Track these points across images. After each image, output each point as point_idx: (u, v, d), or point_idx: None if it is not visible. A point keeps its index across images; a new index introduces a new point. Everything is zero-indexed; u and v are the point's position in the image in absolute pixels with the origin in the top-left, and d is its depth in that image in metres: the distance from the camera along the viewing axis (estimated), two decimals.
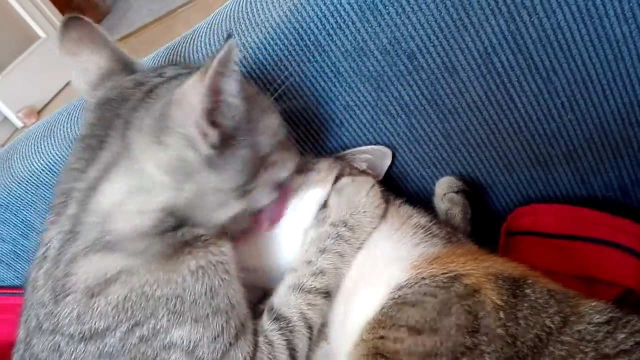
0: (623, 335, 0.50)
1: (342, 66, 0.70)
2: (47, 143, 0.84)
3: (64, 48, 0.62)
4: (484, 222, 0.79)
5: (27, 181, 0.86)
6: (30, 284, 0.55)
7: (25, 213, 0.89)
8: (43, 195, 0.86)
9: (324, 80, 0.72)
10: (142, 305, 0.51)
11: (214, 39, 0.74)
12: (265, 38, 0.69)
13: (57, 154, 0.83)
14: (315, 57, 0.70)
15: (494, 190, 0.81)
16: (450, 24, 0.64)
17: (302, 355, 0.57)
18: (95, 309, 0.50)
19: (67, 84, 3.42)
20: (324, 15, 0.66)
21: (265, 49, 0.70)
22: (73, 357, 0.51)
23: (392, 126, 0.76)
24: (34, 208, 0.88)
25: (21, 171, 0.86)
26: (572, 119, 0.69)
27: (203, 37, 0.75)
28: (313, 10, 0.66)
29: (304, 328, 0.58)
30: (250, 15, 0.72)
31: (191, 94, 0.48)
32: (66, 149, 0.82)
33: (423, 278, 0.57)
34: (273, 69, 0.70)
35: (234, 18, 0.73)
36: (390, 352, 0.53)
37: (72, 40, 0.61)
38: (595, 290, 0.68)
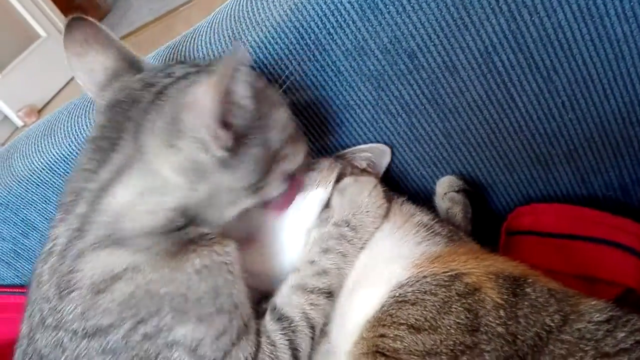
0: (623, 334, 0.50)
1: (343, 65, 0.70)
2: (48, 142, 0.84)
3: (70, 50, 0.61)
4: (484, 222, 0.79)
5: (27, 180, 0.86)
6: (35, 278, 0.55)
7: (25, 212, 0.89)
8: (43, 194, 0.86)
9: (325, 79, 0.72)
10: (147, 302, 0.51)
11: (214, 38, 0.74)
12: (266, 37, 0.69)
13: (57, 153, 0.83)
14: (315, 56, 0.70)
15: (495, 189, 0.81)
16: (451, 23, 0.64)
17: (305, 355, 0.57)
18: (100, 306, 0.50)
19: (68, 83, 3.43)
20: (325, 14, 0.66)
21: (266, 48, 0.70)
22: (76, 353, 0.51)
23: (393, 125, 0.76)
24: (34, 207, 0.88)
25: (21, 170, 0.86)
26: (572, 118, 0.69)
27: (203, 36, 0.75)
28: (313, 9, 0.66)
29: (306, 328, 0.58)
30: (251, 14, 0.71)
31: (203, 99, 0.48)
32: (66, 147, 0.82)
33: (424, 277, 0.57)
34: (273, 68, 0.70)
35: (234, 17, 0.73)
36: (390, 351, 0.53)
37: (77, 42, 0.61)
38: (596, 290, 0.68)
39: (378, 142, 0.78)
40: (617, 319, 0.52)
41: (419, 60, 0.67)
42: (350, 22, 0.66)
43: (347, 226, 0.63)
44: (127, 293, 0.51)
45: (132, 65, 0.62)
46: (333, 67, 0.70)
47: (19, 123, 3.26)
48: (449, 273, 0.56)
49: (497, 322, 0.53)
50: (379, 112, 0.74)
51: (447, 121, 0.73)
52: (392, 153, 0.79)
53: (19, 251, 0.94)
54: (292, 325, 0.57)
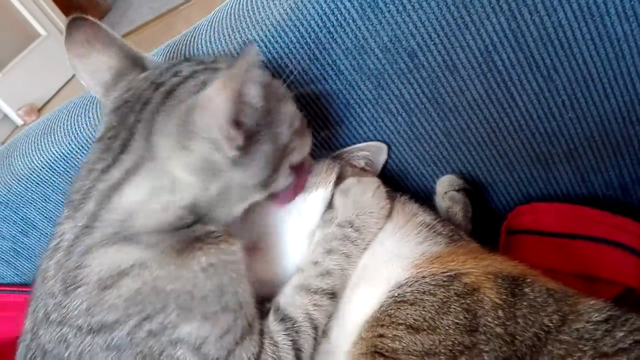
0: (622, 334, 0.50)
1: (343, 64, 0.70)
2: (47, 141, 0.84)
3: (72, 52, 0.61)
4: (484, 221, 0.79)
5: (27, 179, 0.86)
6: (41, 274, 0.55)
7: (25, 210, 0.89)
8: (43, 193, 0.86)
9: (325, 78, 0.72)
10: (153, 299, 0.51)
11: (214, 36, 0.74)
12: (266, 36, 0.69)
13: (57, 152, 0.83)
14: (315, 55, 0.70)
15: (495, 188, 0.81)
16: (451, 22, 0.63)
17: (307, 356, 0.57)
18: (106, 302, 0.50)
19: (68, 81, 3.43)
20: (325, 13, 0.66)
21: (266, 46, 0.70)
22: (80, 349, 0.51)
23: (393, 124, 0.76)
24: (34, 205, 0.88)
25: (21, 169, 0.86)
26: (572, 117, 0.69)
27: (204, 35, 0.75)
28: (314, 8, 0.66)
29: (309, 329, 0.58)
30: (251, 12, 0.71)
31: (216, 100, 0.48)
32: (66, 146, 0.82)
33: (423, 277, 0.57)
34: (274, 67, 0.70)
35: (234, 15, 0.73)
36: (388, 351, 0.53)
37: (78, 43, 0.61)
38: (596, 289, 0.68)
39: (378, 140, 0.78)
40: (616, 319, 0.52)
41: (419, 59, 0.67)
42: (351, 21, 0.66)
43: (351, 227, 0.63)
44: (133, 289, 0.51)
45: (136, 62, 0.62)
46: (333, 66, 0.70)
47: (19, 122, 3.25)
48: (448, 273, 0.56)
49: (495, 322, 0.53)
50: (379, 110, 0.74)
51: (447, 120, 0.73)
52: (392, 152, 0.79)
53: (19, 250, 0.94)
54: (296, 325, 0.57)
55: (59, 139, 0.83)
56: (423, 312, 0.54)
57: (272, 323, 0.58)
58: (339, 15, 0.66)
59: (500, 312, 0.53)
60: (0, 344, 0.80)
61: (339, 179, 0.68)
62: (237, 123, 0.50)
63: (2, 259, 0.95)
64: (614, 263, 0.70)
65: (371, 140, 0.78)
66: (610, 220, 0.72)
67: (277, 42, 0.69)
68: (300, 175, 0.63)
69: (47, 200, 0.87)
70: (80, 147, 0.81)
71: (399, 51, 0.67)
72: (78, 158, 0.82)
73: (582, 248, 0.72)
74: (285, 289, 0.61)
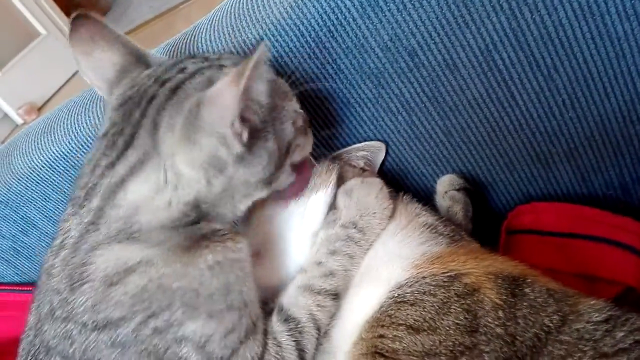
0: (622, 334, 0.50)
1: (343, 63, 0.70)
2: (47, 140, 0.84)
3: (77, 49, 0.61)
4: (484, 220, 0.79)
5: (27, 178, 0.86)
6: (46, 271, 0.55)
7: (25, 210, 0.89)
8: (43, 192, 0.86)
9: (325, 77, 0.72)
10: (159, 296, 0.51)
11: (214, 35, 0.74)
12: (266, 34, 0.69)
13: (57, 151, 0.83)
14: (315, 54, 0.70)
15: (495, 188, 0.81)
16: (452, 21, 0.63)
17: (310, 356, 0.57)
18: (112, 298, 0.50)
19: (68, 80, 3.43)
20: (325, 12, 0.66)
21: (266, 45, 0.69)
22: (84, 345, 0.51)
23: (393, 123, 0.75)
24: (34, 204, 0.88)
25: (21, 168, 0.86)
26: (573, 116, 0.69)
27: (204, 34, 0.75)
28: (314, 6, 0.66)
29: (313, 329, 0.58)
30: (251, 11, 0.71)
31: (225, 96, 0.48)
32: (66, 145, 0.82)
33: (423, 277, 0.57)
34: (274, 66, 0.70)
35: (234, 14, 0.73)
36: (389, 351, 0.53)
37: (83, 40, 0.61)
38: (596, 289, 0.68)
39: (378, 140, 0.78)
40: (616, 319, 0.52)
41: (420, 58, 0.67)
42: (351, 20, 0.66)
43: (355, 228, 0.63)
44: (139, 286, 0.51)
45: (140, 59, 0.62)
46: (333, 65, 0.70)
47: (19, 121, 3.25)
48: (448, 274, 0.56)
49: (496, 322, 0.52)
50: (379, 110, 0.74)
51: (448, 119, 0.73)
52: (392, 151, 0.79)
53: (19, 249, 0.94)
54: (299, 326, 0.57)
55: (59, 138, 0.83)
56: (423, 313, 0.54)
57: (276, 323, 0.58)
58: (339, 14, 0.66)
59: (500, 313, 0.53)
60: (1, 343, 0.81)
61: (339, 180, 0.68)
62: (243, 119, 0.51)
63: (2, 258, 0.95)
64: (614, 262, 0.70)
65: (371, 139, 0.78)
66: (611, 220, 0.72)
67: (277, 40, 0.69)
68: (302, 173, 0.63)
69: (47, 199, 0.87)
70: (81, 146, 0.81)
71: (399, 50, 0.67)
72: (78, 157, 0.82)
73: (582, 248, 0.72)
74: (288, 289, 0.61)
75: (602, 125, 0.69)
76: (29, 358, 0.54)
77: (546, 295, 0.54)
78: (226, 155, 0.52)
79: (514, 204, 0.81)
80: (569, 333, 0.51)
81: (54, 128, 0.84)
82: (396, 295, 0.57)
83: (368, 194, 0.65)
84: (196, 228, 0.54)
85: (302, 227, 0.65)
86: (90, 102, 0.83)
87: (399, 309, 0.55)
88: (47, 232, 0.91)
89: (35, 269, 0.95)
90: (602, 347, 0.50)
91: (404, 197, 0.70)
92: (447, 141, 0.76)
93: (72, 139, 0.81)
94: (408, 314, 0.54)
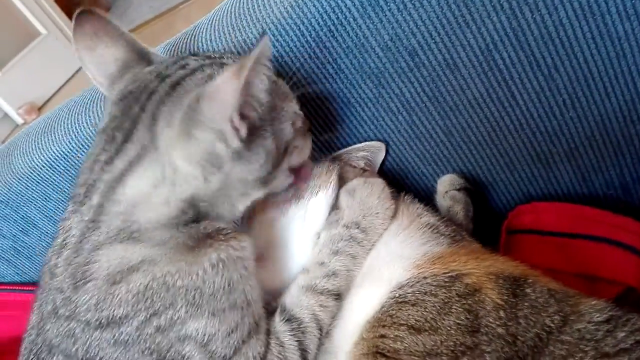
0: (623, 334, 0.50)
1: (344, 63, 0.70)
2: (48, 139, 0.84)
3: (80, 43, 0.61)
4: (485, 220, 0.79)
5: (27, 177, 0.86)
6: (48, 270, 0.55)
7: (25, 209, 0.89)
8: (43, 192, 0.86)
9: (325, 77, 0.72)
10: (162, 295, 0.51)
11: (214, 35, 0.74)
12: (266, 34, 0.69)
13: (57, 150, 0.83)
14: (316, 54, 0.69)
15: (495, 187, 0.81)
16: (452, 21, 0.63)
17: (313, 356, 0.57)
18: (115, 297, 0.50)
19: (68, 80, 3.42)
20: (325, 12, 0.66)
21: (269, 41, 0.69)
22: (87, 344, 0.51)
23: (393, 123, 0.75)
24: (35, 204, 0.88)
25: (21, 167, 0.86)
26: (573, 116, 0.69)
27: (204, 34, 0.75)
28: (314, 6, 0.66)
29: (315, 329, 0.58)
30: (251, 11, 0.71)
31: (225, 90, 0.48)
32: (67, 145, 0.82)
33: (425, 277, 0.57)
34: (274, 66, 0.70)
35: (234, 14, 0.73)
36: (390, 351, 0.53)
37: (87, 35, 0.61)
38: (597, 289, 0.68)
39: (378, 139, 0.78)
40: (617, 319, 0.52)
41: (420, 57, 0.67)
42: (351, 20, 0.66)
43: (357, 228, 0.63)
44: (143, 285, 0.51)
45: (142, 56, 0.62)
46: (334, 65, 0.70)
47: (19, 120, 3.25)
48: (449, 274, 0.56)
49: (497, 322, 0.52)
50: (380, 109, 0.74)
51: (448, 119, 0.73)
52: (393, 151, 0.79)
53: (19, 249, 0.94)
54: (302, 326, 0.57)
55: (59, 138, 0.83)
56: (424, 313, 0.54)
57: (278, 323, 0.58)
58: (339, 14, 0.66)
59: (501, 313, 0.53)
60: (1, 343, 0.81)
61: (340, 180, 0.68)
62: (242, 116, 0.50)
63: (3, 257, 0.95)
64: (614, 262, 0.70)
65: (372, 139, 0.78)
66: (611, 220, 0.72)
67: (277, 40, 0.69)
68: (300, 176, 0.63)
69: (48, 199, 0.87)
70: (81, 146, 0.81)
71: (400, 50, 0.67)
72: (78, 157, 0.82)
73: (582, 247, 0.72)
74: (291, 289, 0.61)
75: (602, 125, 0.69)
76: (31, 357, 0.54)
77: (547, 295, 0.54)
78: (224, 151, 0.52)
79: (515, 204, 0.81)
80: (570, 333, 0.51)
81: (54, 128, 0.84)
82: (397, 295, 0.56)
83: (371, 194, 0.65)
84: (201, 227, 0.54)
85: (304, 229, 0.65)
86: (91, 101, 0.83)
87: (400, 309, 0.55)
88: (47, 232, 0.91)
89: (36, 268, 0.95)
90: (603, 347, 0.50)
91: (406, 197, 0.70)
92: (448, 141, 0.76)
93: (72, 138, 0.81)
94: (409, 314, 0.54)
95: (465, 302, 0.54)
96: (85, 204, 0.54)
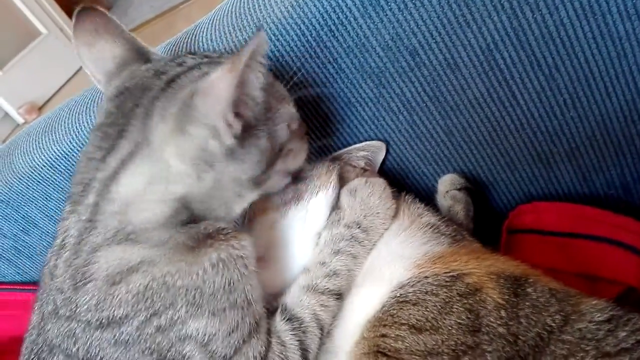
0: (624, 334, 0.50)
1: (344, 62, 0.70)
2: (48, 139, 0.84)
3: (80, 39, 0.61)
4: (485, 220, 0.79)
5: (28, 177, 0.86)
6: (49, 272, 0.55)
7: (26, 209, 0.89)
8: (44, 191, 0.86)
9: (326, 77, 0.72)
10: (162, 295, 0.51)
11: (215, 34, 0.74)
12: (267, 34, 0.69)
13: (58, 150, 0.83)
14: (317, 53, 0.69)
15: (496, 187, 0.81)
16: (453, 21, 0.63)
17: (314, 356, 0.57)
18: (115, 297, 0.50)
19: (69, 80, 3.43)
20: (326, 11, 0.66)
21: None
22: (88, 344, 0.51)
23: (394, 123, 0.75)
24: (35, 204, 0.88)
25: (22, 167, 0.86)
26: (574, 116, 0.69)
27: (204, 33, 0.75)
28: (315, 6, 0.66)
29: (316, 329, 0.58)
30: (252, 11, 0.71)
31: (219, 85, 0.48)
32: (67, 144, 0.82)
33: (426, 277, 0.57)
34: (275, 65, 0.70)
35: (235, 14, 0.73)
36: (391, 351, 0.53)
37: (87, 31, 0.61)
38: (597, 288, 0.68)
39: (379, 139, 0.78)
40: (618, 319, 0.52)
41: (421, 57, 0.67)
42: (352, 19, 0.66)
43: (359, 228, 0.63)
44: (142, 285, 0.51)
45: (141, 55, 0.62)
46: (334, 64, 0.70)
47: (20, 120, 3.25)
48: (450, 273, 0.56)
49: (498, 322, 0.52)
50: (380, 109, 0.74)
51: (449, 119, 0.73)
52: (393, 151, 0.79)
53: (20, 248, 0.94)
54: (303, 326, 0.57)
55: (59, 137, 0.83)
56: (426, 312, 0.54)
57: (279, 323, 0.58)
58: (340, 14, 0.66)
59: (502, 312, 0.53)
60: (2, 342, 0.81)
61: (340, 180, 0.68)
62: (237, 114, 0.50)
63: (4, 257, 0.95)
64: (615, 262, 0.70)
65: (372, 138, 0.78)
66: (612, 220, 0.72)
67: (278, 40, 0.69)
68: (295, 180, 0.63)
69: (48, 198, 0.87)
70: (81, 146, 0.81)
71: (401, 49, 0.67)
72: (79, 156, 0.82)
73: (583, 247, 0.72)
74: (292, 288, 0.61)
75: (603, 124, 0.69)
76: (32, 356, 0.54)
77: (548, 295, 0.54)
78: (217, 148, 0.51)
79: (515, 204, 0.81)
80: (572, 333, 0.51)
81: (54, 127, 0.84)
82: (398, 294, 0.56)
83: (372, 194, 0.65)
84: (201, 228, 0.54)
85: (305, 230, 0.65)
86: (92, 101, 0.83)
87: (401, 308, 0.55)
88: (48, 231, 0.91)
89: (37, 268, 0.95)
90: (604, 346, 0.50)
91: (407, 197, 0.70)
92: (448, 140, 0.76)
93: (73, 138, 0.81)
94: (410, 314, 0.54)
95: (466, 301, 0.54)
96: (82, 203, 0.54)
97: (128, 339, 0.50)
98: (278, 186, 0.60)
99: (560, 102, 0.68)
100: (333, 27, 0.67)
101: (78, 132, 0.81)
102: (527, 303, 0.54)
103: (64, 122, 0.83)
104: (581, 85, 0.66)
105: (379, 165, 0.79)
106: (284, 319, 0.58)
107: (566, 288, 0.56)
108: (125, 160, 0.53)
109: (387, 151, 0.79)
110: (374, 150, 0.77)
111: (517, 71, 0.66)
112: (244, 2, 0.73)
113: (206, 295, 0.52)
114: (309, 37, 0.68)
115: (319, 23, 0.67)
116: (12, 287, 0.96)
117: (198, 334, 0.51)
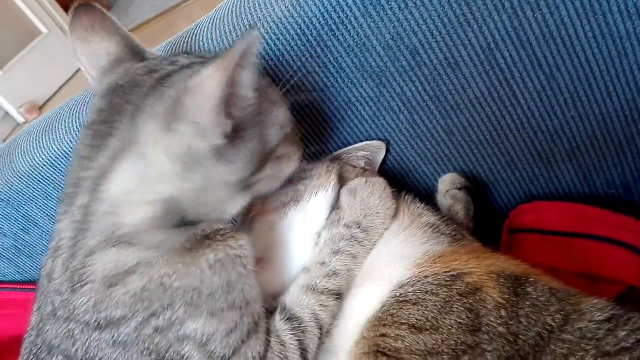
0: (624, 333, 0.50)
1: (345, 62, 0.70)
2: (49, 138, 0.84)
3: (75, 34, 0.61)
4: (486, 219, 0.79)
5: (28, 176, 0.86)
6: (46, 275, 0.55)
7: (26, 208, 0.89)
8: (44, 191, 0.86)
9: (326, 76, 0.72)
10: (160, 296, 0.50)
11: (216, 34, 0.74)
12: (268, 33, 0.69)
13: (58, 149, 0.83)
14: (317, 53, 0.69)
15: (496, 187, 0.81)
16: (454, 20, 0.63)
17: (313, 356, 0.57)
18: (112, 299, 0.50)
19: (69, 79, 3.43)
20: (327, 11, 0.66)
21: (268, 44, 0.69)
22: (87, 345, 0.50)
23: (395, 122, 0.75)
24: (36, 203, 0.88)
25: (23, 166, 0.86)
26: (575, 115, 0.69)
27: (205, 32, 0.75)
28: (316, 5, 0.66)
29: (315, 329, 0.58)
30: (253, 10, 0.71)
31: (209, 83, 0.47)
32: (67, 144, 0.82)
33: (426, 277, 0.57)
34: (275, 65, 0.70)
35: (236, 13, 0.73)
36: (391, 350, 0.53)
37: (83, 27, 0.61)
38: (598, 288, 0.68)
39: (379, 139, 0.78)
40: (619, 318, 0.52)
41: (421, 57, 0.67)
42: (353, 19, 0.66)
43: (359, 228, 0.63)
44: (140, 286, 0.50)
45: (136, 53, 0.62)
46: (335, 64, 0.70)
47: (20, 120, 3.26)
48: (450, 273, 0.56)
49: (498, 321, 0.52)
50: (381, 109, 0.74)
51: (449, 118, 0.73)
52: (394, 150, 0.79)
53: (20, 247, 0.94)
54: (302, 326, 0.57)
55: (60, 137, 0.83)
56: (426, 312, 0.54)
57: (279, 323, 0.58)
58: (340, 13, 0.66)
59: (503, 312, 0.53)
60: (2, 342, 0.81)
61: (340, 180, 0.68)
62: (227, 114, 0.49)
63: (4, 256, 0.95)
64: (616, 262, 0.70)
65: (372, 138, 0.78)
66: (613, 219, 0.72)
67: (278, 39, 0.69)
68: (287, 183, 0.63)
69: (49, 197, 0.87)
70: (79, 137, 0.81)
71: (401, 49, 0.67)
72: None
73: (584, 247, 0.72)
74: (291, 288, 0.61)
75: (604, 124, 0.69)
76: (32, 357, 0.54)
77: (549, 294, 0.54)
78: (204, 148, 0.50)
79: (516, 203, 0.81)
80: (572, 332, 0.51)
81: (55, 127, 0.84)
82: (398, 294, 0.56)
83: (372, 194, 0.65)
84: (199, 230, 0.54)
85: (304, 231, 0.65)
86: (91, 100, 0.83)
87: (401, 308, 0.55)
88: (48, 231, 0.91)
89: (37, 267, 0.95)
90: (604, 346, 0.50)
91: (407, 196, 0.70)
92: (449, 140, 0.76)
93: (73, 137, 0.81)
94: (410, 313, 0.54)
95: (466, 301, 0.54)
96: (74, 204, 0.53)
97: (127, 340, 0.50)
98: (267, 189, 0.59)
99: (561, 102, 0.68)
100: (334, 27, 0.67)
101: (78, 131, 0.81)
102: (527, 302, 0.54)
103: (65, 122, 0.83)
104: (582, 85, 0.66)
105: (379, 165, 0.79)
106: (283, 318, 0.58)
107: (566, 287, 0.56)
108: (115, 158, 0.52)
109: (388, 150, 0.79)
110: (374, 150, 0.77)
111: (517, 71, 0.66)
112: (244, 2, 0.73)
113: (204, 295, 0.51)
114: (310, 37, 0.68)
115: (319, 22, 0.67)
116: (12, 286, 0.96)
117: (197, 335, 0.51)
